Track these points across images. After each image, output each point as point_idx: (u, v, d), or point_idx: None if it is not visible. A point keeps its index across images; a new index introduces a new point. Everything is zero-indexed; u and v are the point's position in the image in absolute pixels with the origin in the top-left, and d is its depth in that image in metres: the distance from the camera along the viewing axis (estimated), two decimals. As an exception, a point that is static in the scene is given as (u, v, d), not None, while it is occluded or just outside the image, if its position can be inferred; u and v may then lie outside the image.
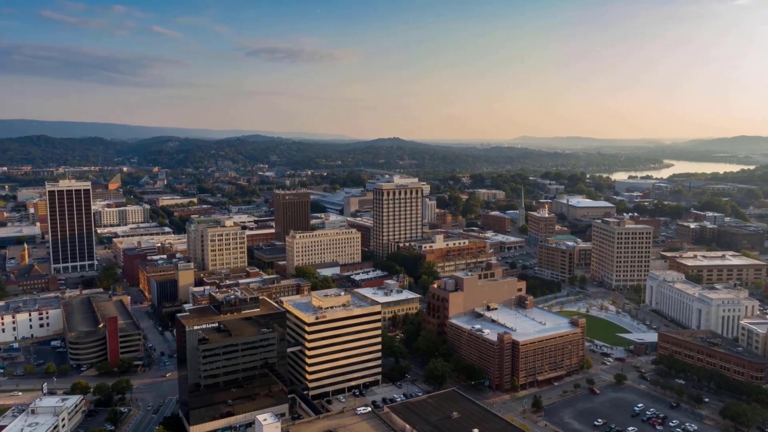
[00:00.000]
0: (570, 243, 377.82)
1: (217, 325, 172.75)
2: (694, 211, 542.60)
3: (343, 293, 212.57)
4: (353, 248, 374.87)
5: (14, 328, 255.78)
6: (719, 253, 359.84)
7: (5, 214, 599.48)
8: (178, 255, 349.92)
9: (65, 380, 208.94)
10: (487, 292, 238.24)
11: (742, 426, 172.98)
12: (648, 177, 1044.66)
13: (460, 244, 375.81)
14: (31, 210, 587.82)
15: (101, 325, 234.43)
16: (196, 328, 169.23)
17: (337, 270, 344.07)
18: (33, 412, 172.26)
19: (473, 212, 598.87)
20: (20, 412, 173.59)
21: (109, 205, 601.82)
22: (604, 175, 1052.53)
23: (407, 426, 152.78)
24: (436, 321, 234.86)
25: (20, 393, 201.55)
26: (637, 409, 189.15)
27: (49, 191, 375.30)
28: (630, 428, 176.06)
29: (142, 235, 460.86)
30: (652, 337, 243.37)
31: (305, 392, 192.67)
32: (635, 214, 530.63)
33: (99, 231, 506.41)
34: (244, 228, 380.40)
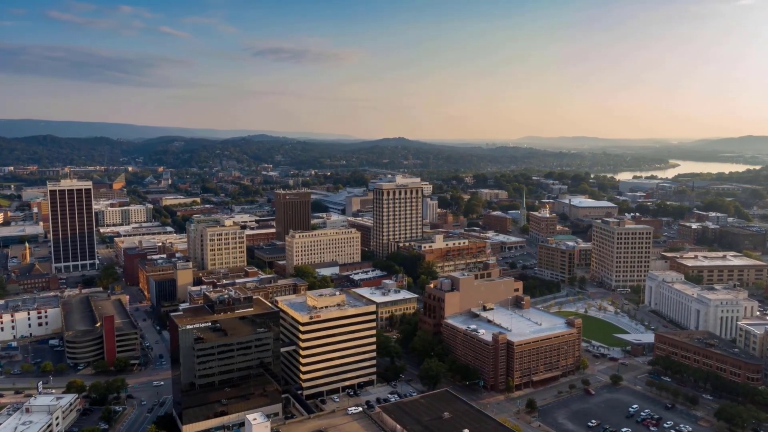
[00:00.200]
0: (570, 243, 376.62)
1: (209, 324, 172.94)
2: (697, 212, 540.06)
3: (338, 293, 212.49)
4: (353, 248, 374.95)
5: (13, 327, 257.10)
6: (720, 254, 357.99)
7: (9, 214, 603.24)
8: (177, 254, 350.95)
9: (62, 379, 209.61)
10: (483, 292, 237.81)
11: (737, 427, 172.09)
12: (653, 177, 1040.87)
13: (459, 244, 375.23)
14: (35, 209, 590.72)
15: (98, 324, 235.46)
16: (188, 327, 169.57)
17: (336, 270, 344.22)
18: (27, 410, 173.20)
19: (475, 212, 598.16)
20: (15, 411, 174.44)
21: (112, 205, 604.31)
22: (609, 175, 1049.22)
23: (398, 426, 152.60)
24: (432, 321, 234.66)
25: (13, 393, 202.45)
26: (632, 410, 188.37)
27: (50, 191, 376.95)
28: (624, 429, 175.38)
29: (143, 234, 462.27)
30: (649, 337, 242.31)
31: (299, 392, 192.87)
32: (637, 214, 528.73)
33: (102, 230, 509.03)
34: (243, 227, 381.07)
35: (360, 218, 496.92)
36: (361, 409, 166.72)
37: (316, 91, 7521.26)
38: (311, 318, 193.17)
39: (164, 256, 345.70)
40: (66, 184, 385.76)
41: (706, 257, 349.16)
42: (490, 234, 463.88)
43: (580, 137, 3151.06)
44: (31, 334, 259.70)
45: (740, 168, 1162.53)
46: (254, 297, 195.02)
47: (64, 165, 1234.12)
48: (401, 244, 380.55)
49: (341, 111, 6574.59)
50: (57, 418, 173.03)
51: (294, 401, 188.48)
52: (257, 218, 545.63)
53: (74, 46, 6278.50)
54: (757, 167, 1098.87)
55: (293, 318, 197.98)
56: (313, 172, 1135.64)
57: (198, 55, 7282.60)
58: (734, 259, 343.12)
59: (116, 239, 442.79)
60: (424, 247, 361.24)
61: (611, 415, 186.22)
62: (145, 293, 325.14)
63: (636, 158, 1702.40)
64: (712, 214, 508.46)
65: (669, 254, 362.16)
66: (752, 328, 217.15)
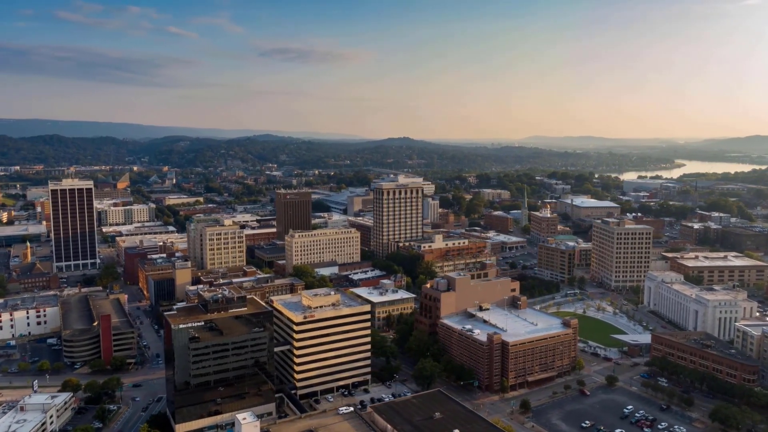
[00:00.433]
0: (570, 243, 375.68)
1: (202, 323, 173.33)
2: (700, 212, 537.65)
3: (332, 293, 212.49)
4: (352, 248, 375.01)
5: (12, 326, 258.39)
6: (721, 254, 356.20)
7: (13, 213, 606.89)
8: (177, 254, 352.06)
9: (58, 377, 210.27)
10: (479, 292, 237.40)
11: (731, 429, 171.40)
12: (658, 177, 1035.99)
13: (459, 244, 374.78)
14: (39, 209, 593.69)
15: (95, 324, 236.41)
16: (181, 326, 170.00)
17: (335, 269, 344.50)
18: (22, 409, 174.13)
19: (476, 212, 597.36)
20: (10, 409, 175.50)
21: (115, 204, 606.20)
22: (613, 175, 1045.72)
23: (389, 426, 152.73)
24: (428, 321, 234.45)
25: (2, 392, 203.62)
26: (626, 410, 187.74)
27: (51, 190, 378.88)
28: (618, 430, 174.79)
29: (145, 234, 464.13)
30: (646, 338, 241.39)
31: (293, 391, 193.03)
32: (639, 214, 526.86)
33: (104, 230, 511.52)
34: (242, 227, 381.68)
35: (361, 218, 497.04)
36: (352, 408, 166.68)
37: (322, 91, 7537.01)
38: (305, 318, 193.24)
39: (164, 255, 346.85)
40: (67, 183, 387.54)
41: (706, 258, 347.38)
42: (491, 234, 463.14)
43: (587, 137, 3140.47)
44: (29, 332, 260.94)
45: (746, 168, 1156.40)
46: (248, 296, 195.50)
47: (70, 164, 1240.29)
48: (401, 244, 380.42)
49: (347, 111, 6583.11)
50: (51, 417, 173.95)
51: (288, 401, 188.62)
52: (259, 218, 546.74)
53: (82, 46, 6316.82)
54: (763, 167, 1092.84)
55: (288, 317, 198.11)
56: (316, 172, 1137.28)
57: (205, 55, 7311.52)
58: (735, 260, 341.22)
59: (118, 239, 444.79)
60: (424, 247, 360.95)
61: (605, 415, 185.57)
62: (145, 293, 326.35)
63: (642, 158, 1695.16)
64: (715, 214, 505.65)
65: (670, 254, 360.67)
66: (749, 329, 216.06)
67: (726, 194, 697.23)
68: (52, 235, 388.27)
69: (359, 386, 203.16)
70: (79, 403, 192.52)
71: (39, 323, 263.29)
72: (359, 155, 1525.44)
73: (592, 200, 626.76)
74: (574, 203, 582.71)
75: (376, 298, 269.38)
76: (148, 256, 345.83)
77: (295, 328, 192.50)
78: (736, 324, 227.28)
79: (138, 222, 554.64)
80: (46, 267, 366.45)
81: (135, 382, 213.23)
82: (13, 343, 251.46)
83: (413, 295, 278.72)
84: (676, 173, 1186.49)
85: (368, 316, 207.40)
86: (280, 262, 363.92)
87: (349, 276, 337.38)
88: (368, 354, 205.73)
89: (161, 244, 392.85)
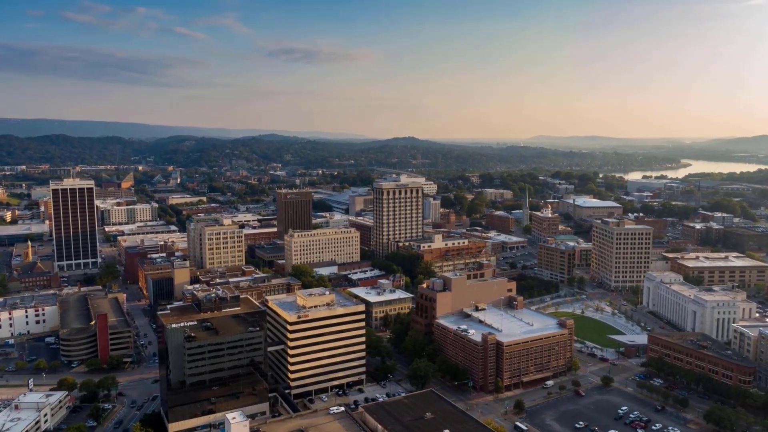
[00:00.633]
0: (571, 243, 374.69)
1: (194, 322, 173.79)
2: (702, 212, 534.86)
3: (327, 292, 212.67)
4: (352, 247, 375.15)
5: (11, 325, 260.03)
6: (722, 255, 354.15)
7: (17, 212, 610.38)
8: (177, 253, 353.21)
9: (55, 376, 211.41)
10: (475, 292, 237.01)
11: (726, 430, 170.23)
12: (662, 177, 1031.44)
13: (459, 244, 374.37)
14: (42, 208, 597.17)
15: (92, 323, 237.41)
16: (174, 326, 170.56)
17: (334, 269, 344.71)
18: (16, 407, 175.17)
19: (478, 212, 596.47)
20: (4, 408, 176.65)
21: (119, 204, 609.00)
22: (618, 175, 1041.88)
23: (379, 426, 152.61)
24: (424, 321, 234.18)
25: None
26: (621, 411, 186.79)
27: (53, 190, 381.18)
28: (611, 431, 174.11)
29: (147, 233, 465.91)
30: (643, 339, 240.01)
31: (287, 391, 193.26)
32: (640, 214, 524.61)
33: (107, 229, 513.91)
34: (241, 227, 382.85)
35: (361, 218, 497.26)
36: (343, 408, 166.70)
37: (329, 90, 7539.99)
38: (299, 317, 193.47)
39: (164, 255, 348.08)
40: (69, 183, 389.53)
41: (707, 258, 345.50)
42: (492, 234, 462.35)
43: (592, 137, 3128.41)
44: (28, 331, 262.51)
45: (752, 168, 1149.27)
46: (242, 296, 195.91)
47: (75, 164, 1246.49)
48: (400, 244, 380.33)
49: (353, 111, 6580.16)
50: (45, 415, 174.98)
51: (281, 400, 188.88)
52: (261, 217, 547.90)
53: (90, 47, 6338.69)
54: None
55: (282, 317, 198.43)
56: (320, 172, 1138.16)
57: (212, 55, 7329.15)
58: (736, 260, 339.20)
59: (119, 238, 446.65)
60: (423, 247, 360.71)
61: (600, 416, 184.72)
62: (144, 292, 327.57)
63: (647, 158, 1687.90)
64: (718, 214, 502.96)
65: (670, 255, 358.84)
66: (747, 330, 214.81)
67: (730, 194, 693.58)
68: (53, 234, 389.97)
69: (354, 386, 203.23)
70: (74, 402, 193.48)
71: (38, 322, 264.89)
72: (364, 155, 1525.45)
73: (595, 200, 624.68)
74: (576, 203, 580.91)
75: (373, 297, 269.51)
76: (148, 256, 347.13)
77: (289, 327, 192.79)
78: (733, 325, 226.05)
79: (140, 221, 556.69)
80: (47, 266, 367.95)
81: (130, 381, 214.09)
82: (11, 341, 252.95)
83: (410, 295, 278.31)
84: (681, 173, 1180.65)
85: (363, 316, 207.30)
86: (280, 261, 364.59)
87: (348, 276, 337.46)
88: (363, 354, 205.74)
89: (162, 243, 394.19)
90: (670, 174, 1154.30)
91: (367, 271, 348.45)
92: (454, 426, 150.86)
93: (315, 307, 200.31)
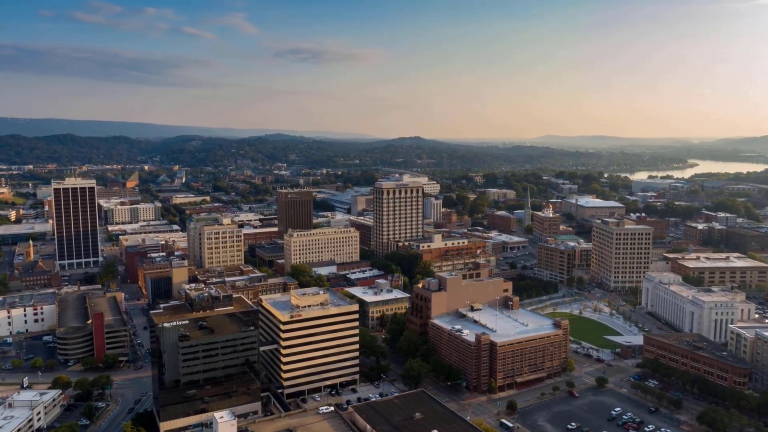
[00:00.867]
0: (571, 243, 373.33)
1: (186, 321, 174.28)
2: (706, 212, 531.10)
3: (321, 292, 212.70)
4: (352, 247, 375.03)
5: (9, 323, 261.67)
6: (723, 255, 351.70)
7: (21, 212, 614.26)
8: (177, 252, 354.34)
9: (51, 375, 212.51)
10: (471, 292, 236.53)
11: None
12: (668, 177, 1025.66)
13: (458, 244, 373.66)
14: (47, 207, 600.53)
15: (89, 322, 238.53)
16: (166, 325, 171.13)
17: (333, 269, 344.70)
18: (10, 405, 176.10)
19: (480, 212, 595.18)
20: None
21: (122, 203, 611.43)
22: (623, 175, 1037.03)
23: (368, 426, 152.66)
24: (419, 321, 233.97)
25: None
26: (614, 413, 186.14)
27: (54, 189, 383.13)
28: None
29: (149, 232, 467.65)
30: (640, 340, 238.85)
31: (280, 390, 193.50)
32: (643, 214, 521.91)
33: (110, 228, 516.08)
34: (241, 226, 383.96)
35: (362, 218, 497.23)
36: (332, 408, 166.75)
37: (335, 90, 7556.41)
38: (292, 317, 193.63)
39: (163, 254, 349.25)
40: (70, 182, 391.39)
41: (708, 258, 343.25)
42: (493, 234, 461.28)
43: (600, 136, 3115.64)
44: (27, 330, 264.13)
45: (759, 168, 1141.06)
46: (235, 295, 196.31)
47: (82, 164, 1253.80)
48: (400, 244, 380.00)
49: (359, 110, 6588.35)
50: (39, 414, 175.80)
51: (274, 400, 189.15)
52: (263, 217, 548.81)
53: (100, 47, 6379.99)
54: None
55: (275, 316, 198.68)
56: (324, 171, 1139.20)
57: (220, 55, 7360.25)
58: (737, 261, 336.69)
59: (121, 237, 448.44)
60: (423, 246, 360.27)
61: (593, 417, 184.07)
62: (144, 291, 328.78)
63: (654, 158, 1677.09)
64: (721, 214, 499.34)
65: (671, 255, 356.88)
66: (743, 332, 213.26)
67: (735, 194, 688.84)
68: (55, 233, 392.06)
69: (347, 386, 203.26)
70: (69, 400, 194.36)
71: (36, 321, 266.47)
72: (369, 155, 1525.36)
73: (597, 200, 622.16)
74: (578, 203, 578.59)
75: (370, 297, 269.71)
76: (148, 255, 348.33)
77: (282, 327, 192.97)
78: (730, 326, 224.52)
79: (143, 221, 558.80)
80: (48, 265, 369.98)
81: (126, 380, 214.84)
82: (9, 340, 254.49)
83: (407, 295, 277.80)
84: (688, 173, 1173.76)
85: (356, 316, 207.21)
86: (279, 261, 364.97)
87: (347, 275, 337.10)
88: (356, 354, 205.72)
89: (163, 242, 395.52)
90: (677, 174, 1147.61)
91: (366, 270, 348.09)
92: (443, 426, 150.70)
93: (308, 306, 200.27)
